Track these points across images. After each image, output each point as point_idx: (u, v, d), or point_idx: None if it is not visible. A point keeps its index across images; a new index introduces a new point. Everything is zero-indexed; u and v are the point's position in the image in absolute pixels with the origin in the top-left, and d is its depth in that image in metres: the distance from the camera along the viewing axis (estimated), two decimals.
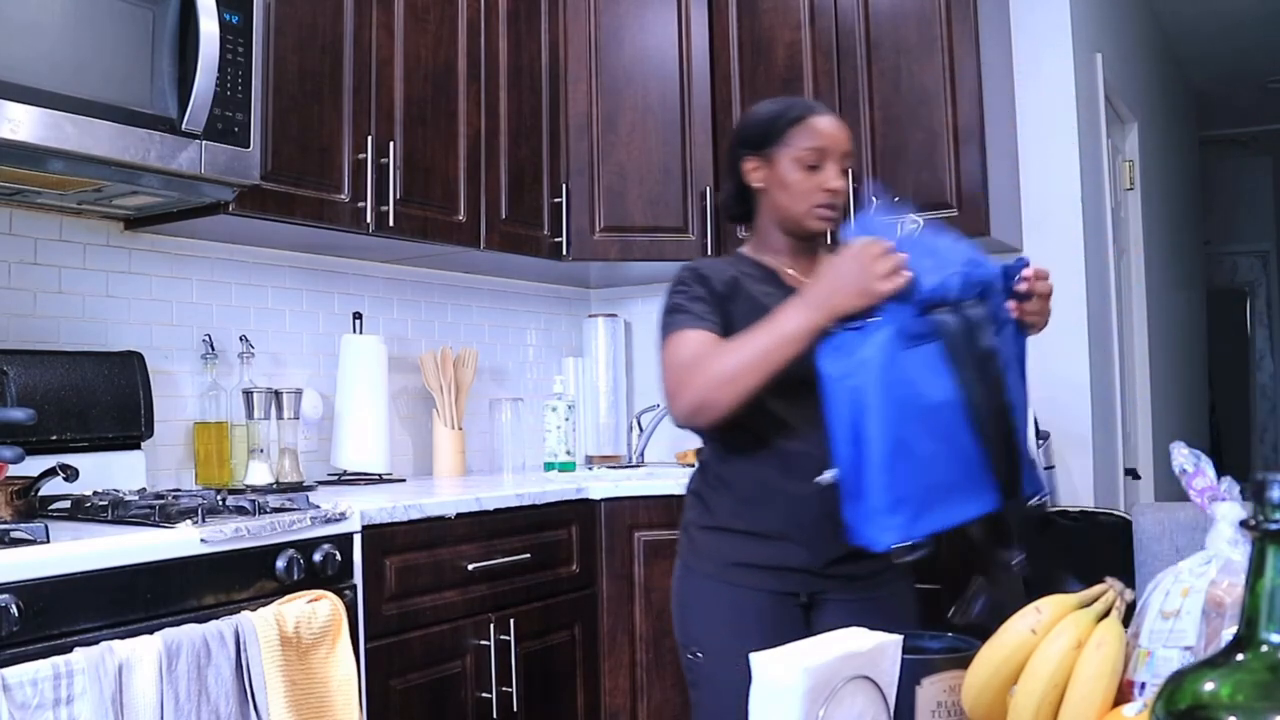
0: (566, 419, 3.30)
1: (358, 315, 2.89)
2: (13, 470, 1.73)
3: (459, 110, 2.80)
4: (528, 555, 2.43)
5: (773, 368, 1.61)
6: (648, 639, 2.66)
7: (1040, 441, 3.06)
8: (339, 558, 1.95)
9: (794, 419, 1.73)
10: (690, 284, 1.83)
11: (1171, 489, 2.82)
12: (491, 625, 2.32)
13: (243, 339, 2.60)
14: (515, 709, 2.35)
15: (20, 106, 1.78)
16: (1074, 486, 3.16)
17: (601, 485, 2.68)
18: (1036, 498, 1.61)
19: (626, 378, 3.71)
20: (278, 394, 2.57)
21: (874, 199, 1.54)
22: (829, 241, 1.95)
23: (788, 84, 3.15)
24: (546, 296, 3.64)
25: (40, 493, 1.84)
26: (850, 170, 1.89)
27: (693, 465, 3.25)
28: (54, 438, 2.12)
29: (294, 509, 1.95)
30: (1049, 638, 0.95)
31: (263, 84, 2.23)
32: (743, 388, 1.63)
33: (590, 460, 3.48)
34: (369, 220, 2.54)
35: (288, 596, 1.80)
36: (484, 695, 2.29)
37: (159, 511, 1.79)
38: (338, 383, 2.78)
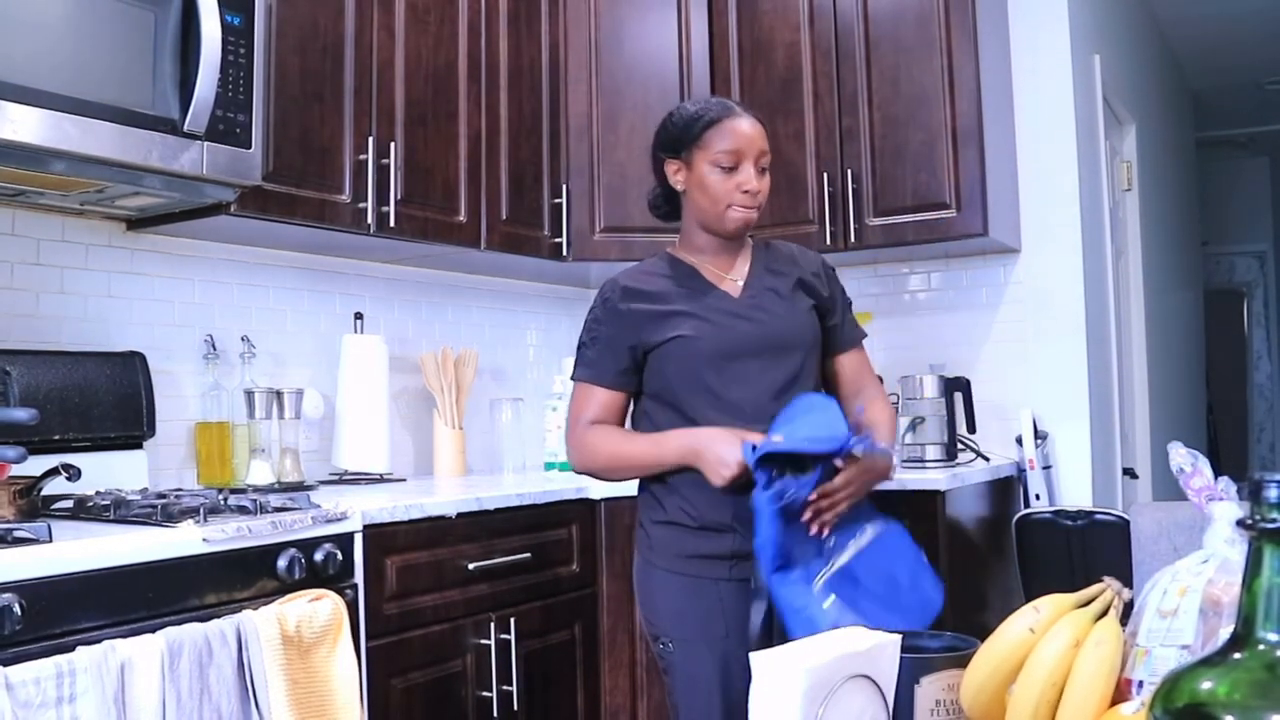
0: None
1: (359, 315, 2.89)
2: (15, 470, 1.73)
3: (459, 111, 2.81)
4: (528, 555, 2.43)
5: (645, 474, 1.95)
6: (648, 638, 2.66)
7: (1039, 441, 3.07)
8: (340, 557, 1.96)
9: (721, 422, 1.85)
10: (599, 314, 1.96)
11: (1169, 489, 2.82)
12: (492, 624, 2.32)
13: (244, 339, 2.61)
14: (515, 708, 2.35)
15: (22, 107, 1.78)
16: (1072, 486, 3.17)
17: (601, 485, 2.68)
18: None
19: None
20: (279, 394, 2.58)
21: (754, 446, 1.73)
22: (748, 238, 2.05)
23: (787, 84, 3.16)
24: (546, 296, 3.65)
25: (43, 492, 1.85)
26: (766, 170, 1.94)
27: None
28: (56, 437, 2.12)
29: (295, 508, 1.95)
30: (1047, 636, 0.96)
31: (264, 85, 2.24)
32: (619, 478, 2.02)
33: None
34: (370, 221, 2.55)
35: (289, 596, 1.81)
36: (484, 694, 2.29)
37: (161, 511, 1.80)
38: (339, 383, 2.79)
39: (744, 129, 1.90)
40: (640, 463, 1.93)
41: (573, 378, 1.98)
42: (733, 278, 1.98)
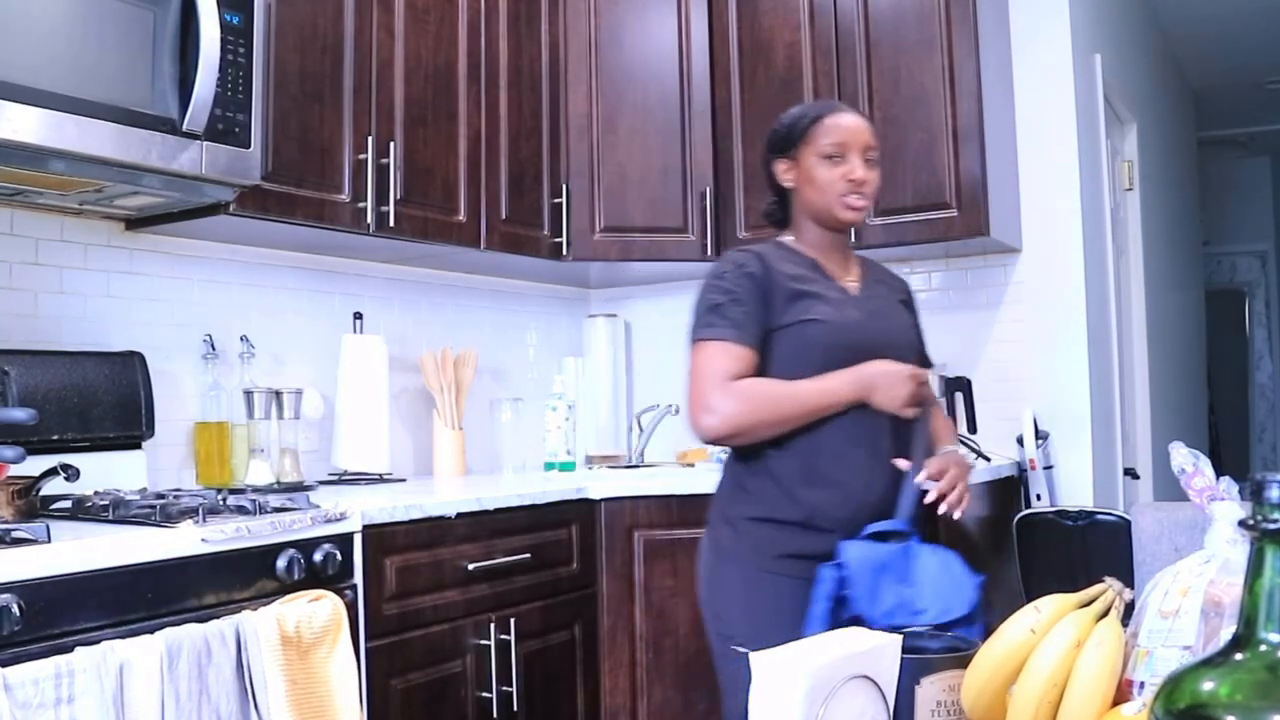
0: (566, 419, 3.30)
1: (358, 315, 2.89)
2: (14, 470, 1.73)
3: (459, 111, 2.81)
4: (528, 555, 2.43)
5: (811, 420, 1.83)
6: (648, 639, 2.66)
7: (1040, 441, 3.06)
8: (339, 557, 1.95)
9: (838, 416, 1.84)
10: (735, 280, 1.88)
11: (1170, 489, 2.82)
12: (492, 625, 2.32)
13: (243, 339, 2.60)
14: (515, 708, 2.35)
15: (21, 107, 1.78)
16: (1073, 486, 3.16)
17: (601, 485, 2.69)
18: None
19: (626, 378, 3.72)
20: (278, 394, 2.58)
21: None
22: (853, 239, 2.07)
23: (787, 84, 3.16)
24: (546, 296, 3.65)
25: (41, 492, 1.84)
26: (875, 163, 1.98)
27: (691, 465, 3.27)
28: (55, 438, 2.12)
29: (295, 509, 1.95)
30: (1048, 637, 0.95)
31: (263, 85, 2.24)
32: (783, 429, 1.83)
33: (590, 460, 3.48)
34: (369, 220, 2.54)
35: (288, 596, 1.80)
36: (484, 695, 2.29)
37: (160, 511, 1.79)
38: (338, 383, 2.78)
39: (848, 122, 1.95)
40: (808, 405, 1.82)
41: (705, 337, 1.86)
42: (849, 278, 2.00)
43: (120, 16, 1.93)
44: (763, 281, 1.86)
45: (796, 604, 1.75)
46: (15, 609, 1.47)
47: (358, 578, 2.01)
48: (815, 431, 1.83)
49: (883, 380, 1.82)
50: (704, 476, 2.91)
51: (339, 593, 1.86)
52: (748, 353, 1.83)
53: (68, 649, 1.49)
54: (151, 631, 1.58)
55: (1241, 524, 0.67)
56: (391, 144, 2.60)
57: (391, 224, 2.59)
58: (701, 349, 1.86)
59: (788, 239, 2.01)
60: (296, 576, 1.86)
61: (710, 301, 1.88)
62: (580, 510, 2.62)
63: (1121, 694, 0.94)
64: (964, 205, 2.91)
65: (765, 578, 1.84)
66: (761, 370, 1.86)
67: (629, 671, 2.66)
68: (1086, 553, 2.76)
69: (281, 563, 1.85)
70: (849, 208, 1.92)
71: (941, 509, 1.79)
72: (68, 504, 1.97)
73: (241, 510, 1.89)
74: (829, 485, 1.82)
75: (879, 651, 0.97)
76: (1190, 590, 0.97)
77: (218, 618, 1.68)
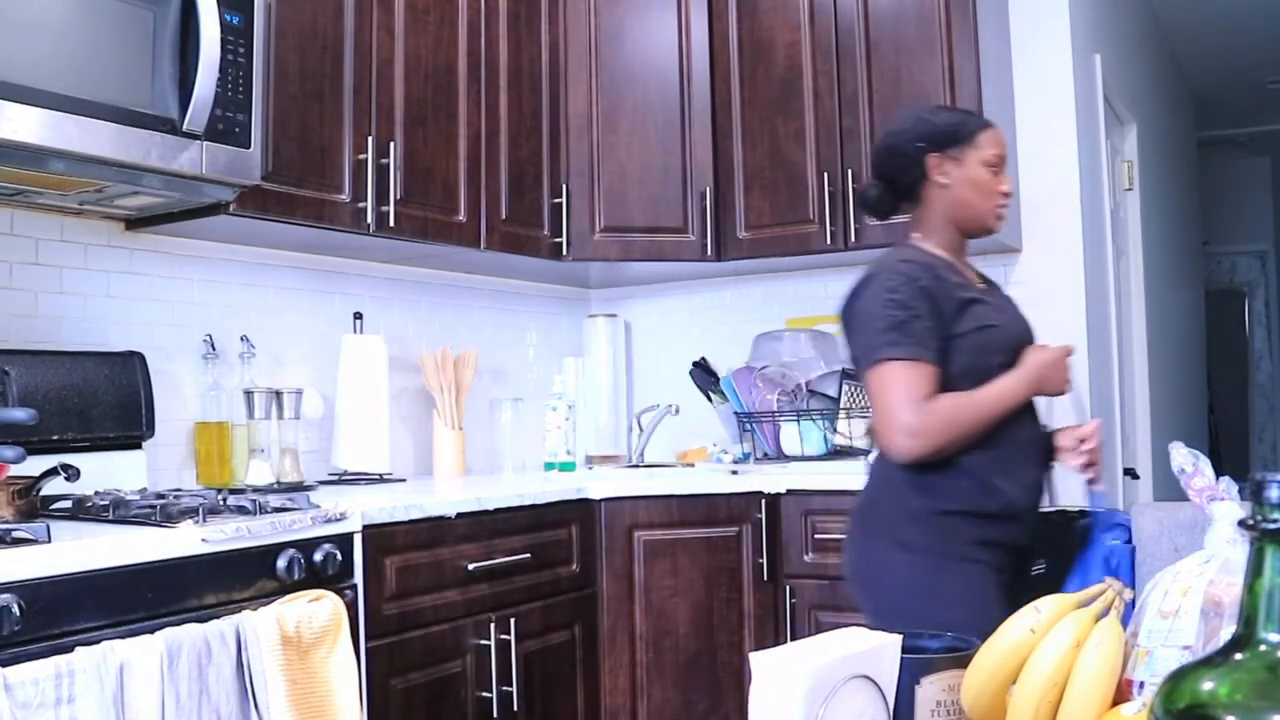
0: (566, 419, 3.31)
1: (358, 315, 2.89)
2: (14, 470, 1.73)
3: (459, 110, 2.81)
4: (528, 555, 2.43)
5: (999, 420, 1.90)
6: (648, 639, 2.67)
7: None
8: (339, 557, 1.95)
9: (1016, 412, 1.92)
10: (911, 295, 1.88)
11: (1170, 489, 2.82)
12: (491, 625, 2.32)
13: (243, 339, 2.60)
14: (515, 708, 2.35)
15: (21, 107, 1.78)
16: (1073, 486, 3.15)
17: (601, 485, 2.69)
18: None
19: (626, 378, 3.72)
20: (278, 394, 2.58)
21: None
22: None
23: (787, 84, 3.16)
24: (546, 296, 3.65)
25: (41, 492, 1.84)
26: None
27: (691, 465, 3.27)
28: (55, 438, 2.12)
29: (295, 509, 1.95)
30: (1048, 637, 0.95)
31: (263, 84, 2.24)
32: (975, 439, 1.88)
33: (590, 460, 3.49)
34: (369, 220, 2.54)
35: (288, 596, 1.80)
36: (484, 695, 2.29)
37: (160, 511, 1.79)
38: (338, 383, 2.78)
39: (1004, 140, 2.04)
40: (995, 412, 1.89)
41: (892, 357, 1.84)
42: (974, 277, 2.05)
43: (120, 16, 1.93)
44: (934, 293, 1.88)
45: (985, 590, 1.84)
46: (15, 609, 1.47)
47: (358, 578, 2.01)
48: (1001, 427, 1.90)
49: (1048, 370, 1.92)
50: (704, 476, 2.91)
51: (339, 593, 1.86)
52: (933, 370, 1.84)
53: (68, 649, 1.49)
54: (151, 631, 1.58)
55: (1241, 524, 0.67)
56: (391, 144, 2.60)
57: (391, 224, 2.59)
58: (889, 369, 1.84)
59: (921, 242, 2.02)
60: (296, 576, 1.86)
61: (891, 318, 1.85)
62: (580, 510, 2.62)
63: (1121, 694, 0.94)
64: None
65: (954, 565, 1.87)
66: (943, 379, 1.88)
67: (629, 671, 2.66)
68: None
69: (281, 563, 1.85)
70: (999, 218, 2.01)
71: (1089, 475, 1.97)
72: (68, 504, 1.97)
73: (242, 510, 1.89)
74: (1016, 476, 1.90)
75: (879, 651, 0.97)
76: (1190, 590, 0.97)
77: (218, 618, 1.68)
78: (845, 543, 2.02)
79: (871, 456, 2.06)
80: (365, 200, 2.53)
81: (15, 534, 1.59)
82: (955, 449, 1.86)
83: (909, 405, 1.82)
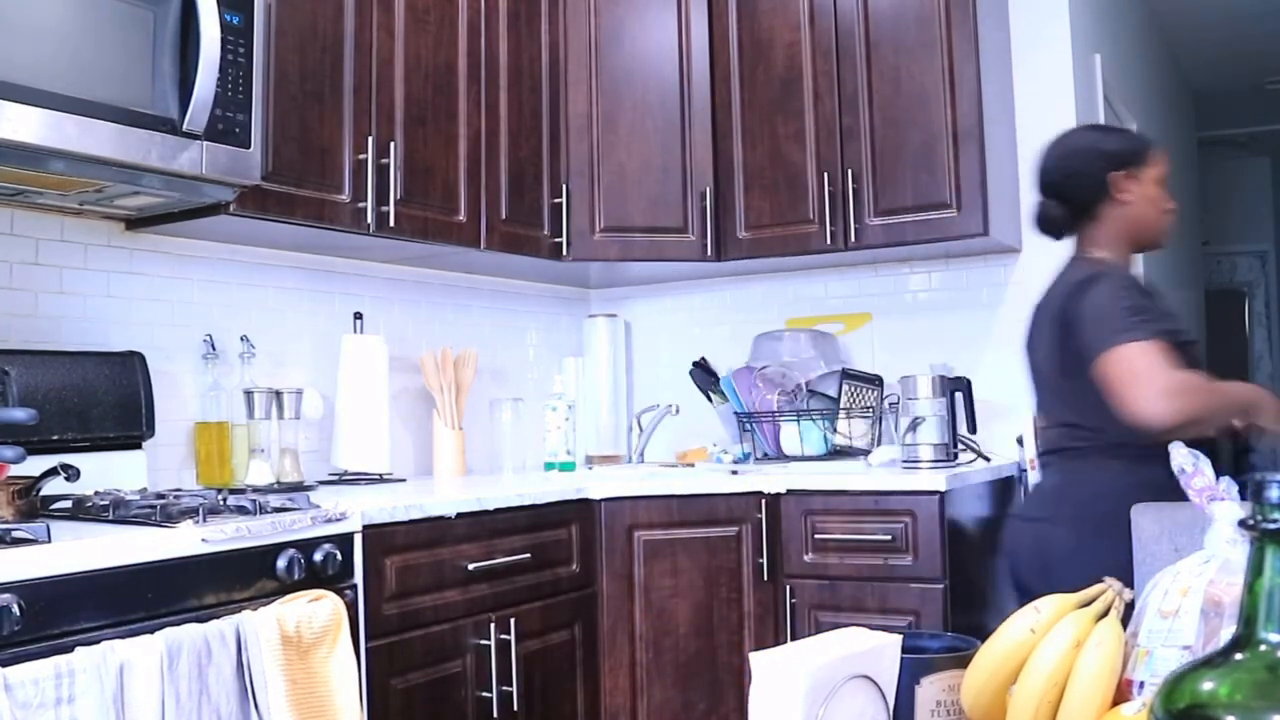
0: (566, 419, 3.30)
1: (358, 315, 2.89)
2: (14, 470, 1.73)
3: (459, 110, 2.81)
4: (528, 555, 2.43)
5: (1236, 414, 2.01)
6: (648, 639, 2.66)
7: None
8: (340, 557, 1.95)
9: None
10: (1140, 294, 2.02)
11: None
12: (491, 625, 2.32)
13: (243, 339, 2.60)
14: (515, 708, 2.35)
15: (21, 107, 1.78)
16: None
17: (601, 485, 2.69)
18: None
19: (626, 378, 3.72)
20: (278, 394, 2.58)
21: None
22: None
23: (787, 84, 3.16)
24: (546, 296, 3.65)
25: (41, 492, 1.84)
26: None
27: (691, 465, 3.27)
28: (55, 438, 2.12)
29: (295, 509, 1.95)
30: (1048, 637, 0.95)
31: (263, 85, 2.24)
32: (1217, 425, 1.98)
33: (590, 460, 3.49)
34: (369, 220, 2.54)
35: (288, 596, 1.80)
36: (484, 695, 2.29)
37: (160, 511, 1.79)
38: (338, 383, 2.78)
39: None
40: (1239, 405, 1.99)
41: (1142, 336, 1.92)
42: None
43: (120, 16, 1.93)
44: (1153, 298, 2.04)
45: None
46: (15, 609, 1.47)
47: (358, 578, 2.01)
48: None
49: (1271, 402, 2.01)
50: (704, 476, 2.91)
51: (339, 593, 1.86)
52: (1173, 354, 1.93)
53: (68, 649, 1.49)
54: (151, 631, 1.58)
55: (1241, 524, 0.67)
56: (391, 144, 2.60)
57: (391, 224, 2.59)
58: (1138, 347, 1.92)
59: (1107, 257, 2.10)
60: (296, 576, 1.86)
61: (1132, 303, 1.97)
62: (580, 510, 2.62)
63: (1121, 694, 0.94)
64: (963, 205, 2.91)
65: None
66: None
67: (629, 671, 2.66)
68: None
69: (281, 563, 1.85)
70: (1168, 234, 2.12)
71: None
72: (68, 504, 1.97)
73: (242, 510, 1.89)
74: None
75: (879, 651, 0.97)
76: (1190, 590, 0.97)
77: (218, 618, 1.68)
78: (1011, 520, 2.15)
79: (1029, 460, 2.17)
80: (365, 200, 2.53)
81: (15, 534, 1.59)
82: (1201, 427, 1.90)
83: (1165, 371, 1.89)
